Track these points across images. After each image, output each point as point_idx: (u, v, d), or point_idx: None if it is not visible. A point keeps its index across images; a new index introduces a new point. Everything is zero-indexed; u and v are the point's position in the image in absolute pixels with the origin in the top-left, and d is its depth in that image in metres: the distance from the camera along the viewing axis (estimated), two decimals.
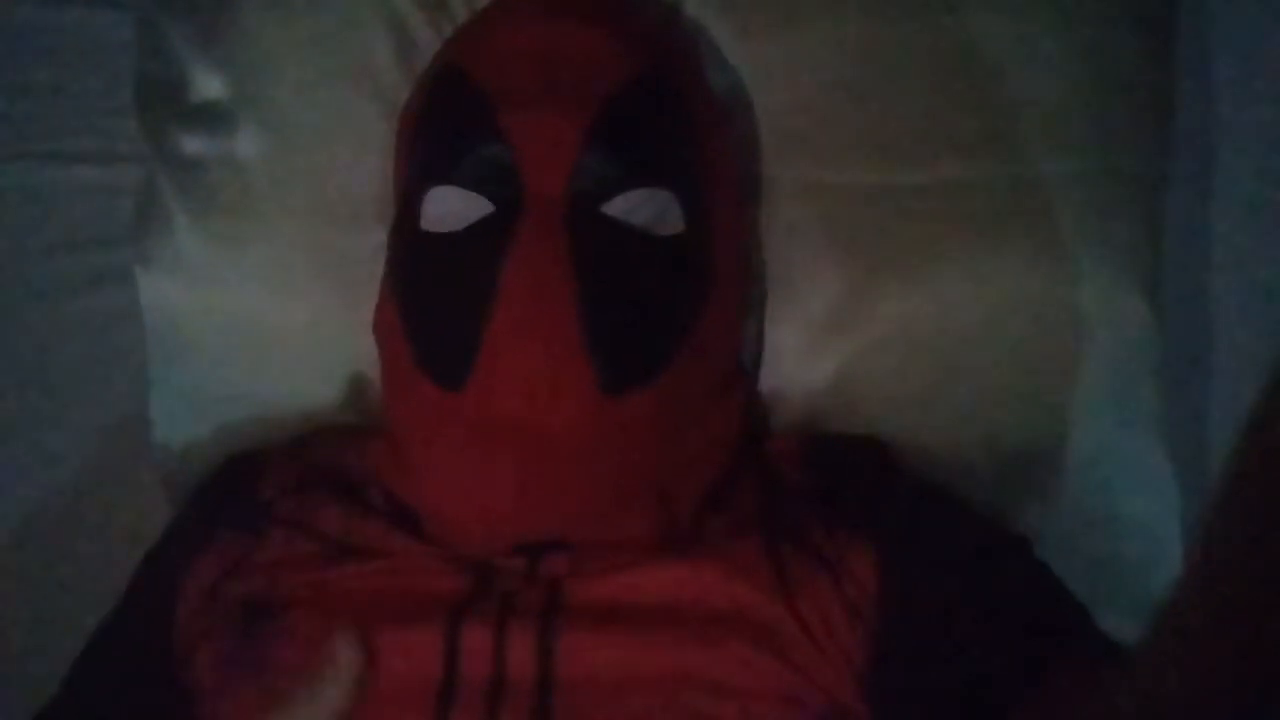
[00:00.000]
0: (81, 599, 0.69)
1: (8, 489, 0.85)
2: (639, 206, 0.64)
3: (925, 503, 0.68)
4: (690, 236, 0.66)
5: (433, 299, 0.65)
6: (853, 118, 0.77)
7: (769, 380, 0.79)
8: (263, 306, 0.79)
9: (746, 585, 0.61)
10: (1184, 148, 0.81)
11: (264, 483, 0.72)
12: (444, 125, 0.67)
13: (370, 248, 0.74)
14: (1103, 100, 0.77)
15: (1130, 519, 0.78)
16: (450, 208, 0.65)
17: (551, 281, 0.61)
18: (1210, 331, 0.86)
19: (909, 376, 0.77)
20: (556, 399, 0.61)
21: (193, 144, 0.80)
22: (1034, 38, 0.77)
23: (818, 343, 0.77)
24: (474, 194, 0.64)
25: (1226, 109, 0.86)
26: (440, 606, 0.61)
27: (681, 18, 0.79)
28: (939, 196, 0.76)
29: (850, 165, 0.77)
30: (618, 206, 0.64)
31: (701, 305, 0.67)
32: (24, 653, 0.80)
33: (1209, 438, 0.84)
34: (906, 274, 0.76)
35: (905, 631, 0.60)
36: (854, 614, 0.61)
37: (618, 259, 0.63)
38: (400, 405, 0.69)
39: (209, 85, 0.80)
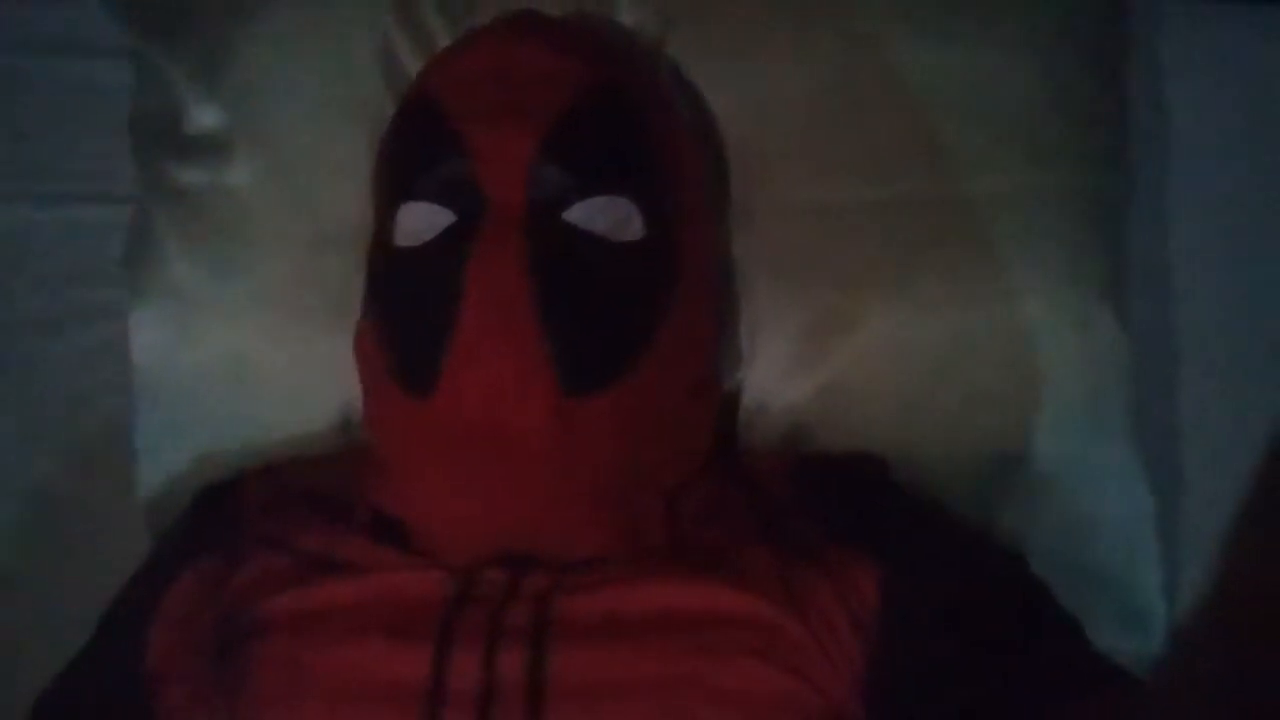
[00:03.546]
0: (63, 632, 0.69)
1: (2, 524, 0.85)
2: (599, 214, 0.66)
3: (924, 520, 0.68)
4: (652, 243, 0.67)
5: (403, 310, 0.67)
6: (827, 140, 0.79)
7: (752, 395, 0.80)
8: (253, 334, 0.80)
9: (752, 592, 0.62)
10: (1143, 159, 0.84)
11: (242, 505, 0.72)
12: (411, 146, 0.69)
13: (360, 276, 0.74)
14: (1066, 117, 0.79)
15: (1106, 525, 0.79)
16: (419, 222, 0.66)
17: (510, 285, 0.62)
18: (1179, 337, 0.87)
19: (889, 388, 0.78)
20: (519, 401, 0.62)
21: (187, 174, 0.81)
22: (994, 60, 0.79)
23: (800, 358, 0.79)
24: (439, 207, 0.66)
25: (1182, 120, 0.89)
26: (426, 625, 0.61)
27: (640, 37, 0.81)
28: (914, 213, 0.78)
29: (826, 185, 0.79)
30: (577, 214, 0.65)
31: (665, 311, 0.67)
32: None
33: (1181, 443, 0.86)
34: (885, 289, 0.78)
35: (906, 650, 0.60)
36: (855, 624, 0.62)
37: (577, 264, 0.64)
38: (377, 417, 0.70)
39: (204, 117, 0.81)
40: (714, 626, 0.61)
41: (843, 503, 0.68)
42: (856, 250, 0.78)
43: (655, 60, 0.80)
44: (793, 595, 0.62)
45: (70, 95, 0.92)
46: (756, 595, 0.62)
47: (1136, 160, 0.83)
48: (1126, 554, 0.79)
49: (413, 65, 0.80)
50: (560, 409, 0.62)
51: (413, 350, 0.65)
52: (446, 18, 0.82)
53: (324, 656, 0.61)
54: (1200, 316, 0.88)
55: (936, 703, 0.58)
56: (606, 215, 0.66)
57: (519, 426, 0.62)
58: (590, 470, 0.64)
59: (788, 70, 0.80)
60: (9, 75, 0.93)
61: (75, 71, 0.92)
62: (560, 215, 0.65)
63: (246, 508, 0.71)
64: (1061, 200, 0.79)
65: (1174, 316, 0.87)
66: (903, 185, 0.78)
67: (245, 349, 0.80)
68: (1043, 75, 0.79)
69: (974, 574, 0.63)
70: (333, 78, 0.81)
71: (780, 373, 0.79)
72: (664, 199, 0.69)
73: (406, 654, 0.60)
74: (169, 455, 0.81)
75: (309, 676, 0.61)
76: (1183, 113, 0.89)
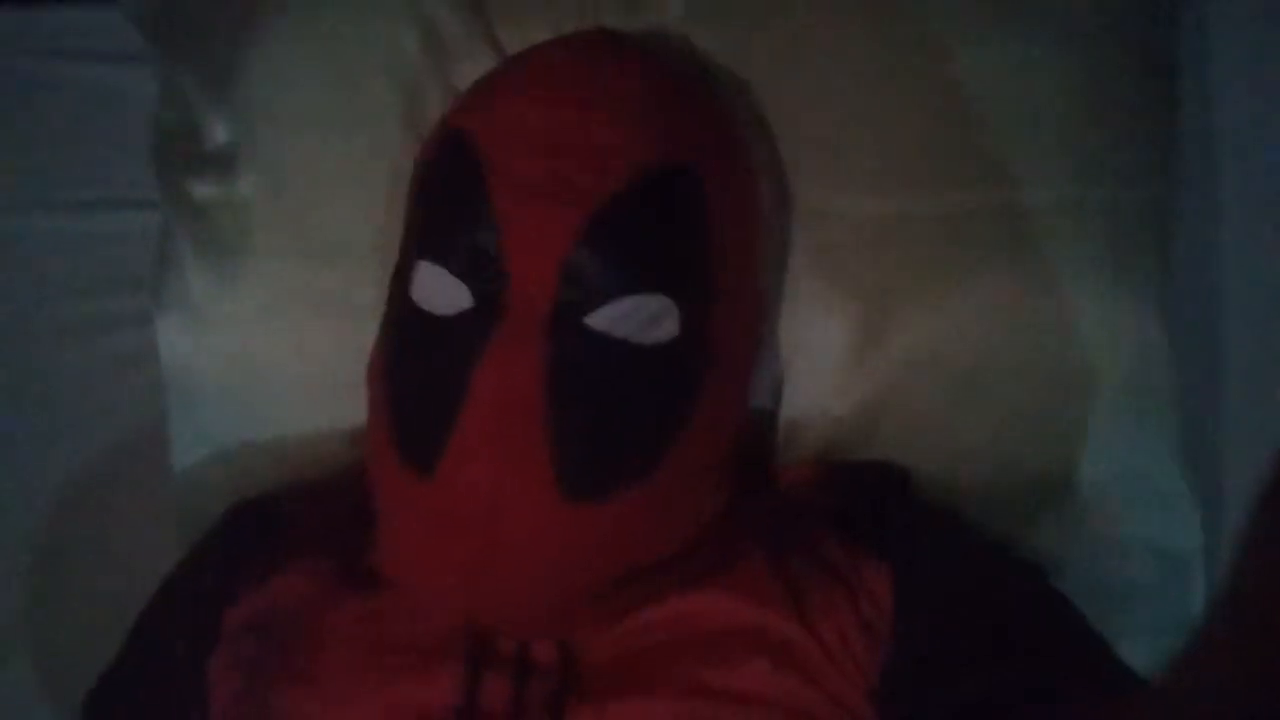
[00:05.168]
0: (96, 634, 0.71)
1: (26, 530, 0.87)
2: (629, 315, 0.62)
3: (943, 527, 0.68)
4: (684, 343, 0.64)
5: (411, 382, 0.65)
6: (865, 149, 0.77)
7: (788, 409, 0.79)
8: (263, 345, 0.80)
9: (759, 604, 0.62)
10: (1190, 170, 0.82)
11: (279, 524, 0.72)
12: (442, 196, 0.66)
13: (365, 292, 0.75)
14: (1110, 126, 0.77)
15: (1147, 541, 0.78)
16: (434, 289, 0.64)
17: (520, 393, 0.59)
18: (1223, 352, 0.86)
19: (926, 403, 0.77)
20: (515, 507, 0.59)
21: (200, 187, 0.81)
22: (1039, 68, 0.77)
23: (835, 371, 0.77)
24: (458, 282, 0.63)
25: (1231, 131, 0.87)
26: (454, 648, 0.62)
27: (729, 99, 0.77)
28: (952, 224, 0.76)
29: (864, 196, 0.77)
30: (604, 317, 0.62)
31: (689, 411, 0.64)
32: (37, 683, 0.82)
33: (1224, 459, 0.84)
34: (922, 302, 0.76)
35: (919, 655, 0.60)
36: (868, 630, 0.62)
37: (596, 373, 0.61)
38: (375, 470, 0.69)
39: (220, 132, 0.81)
40: (725, 637, 0.61)
41: (861, 509, 0.68)
42: (894, 263, 0.77)
43: (731, 99, 0.77)
44: (802, 604, 0.62)
45: (95, 102, 0.93)
46: (766, 606, 0.62)
47: (1180, 168, 0.80)
48: (1167, 571, 0.78)
49: (429, 83, 0.79)
50: (560, 518, 0.60)
51: (416, 426, 0.63)
52: (459, 15, 0.79)
53: (351, 676, 0.62)
54: (1245, 327, 0.86)
55: (948, 707, 0.58)
56: (636, 315, 0.62)
57: (514, 530, 0.60)
58: (585, 575, 0.62)
59: (823, 72, 0.78)
60: (33, 82, 0.94)
61: (100, 78, 0.93)
62: (585, 319, 0.61)
63: (284, 526, 0.72)
64: (1106, 213, 0.77)
65: (1218, 328, 0.86)
66: (942, 197, 0.77)
67: (256, 360, 0.80)
68: (1089, 84, 0.77)
69: (989, 581, 0.63)
70: (345, 95, 0.79)
71: (818, 390, 0.78)
72: (708, 294, 0.65)
73: (438, 677, 0.61)
74: (197, 459, 0.82)
75: (336, 696, 0.61)
76: (1230, 120, 0.87)
